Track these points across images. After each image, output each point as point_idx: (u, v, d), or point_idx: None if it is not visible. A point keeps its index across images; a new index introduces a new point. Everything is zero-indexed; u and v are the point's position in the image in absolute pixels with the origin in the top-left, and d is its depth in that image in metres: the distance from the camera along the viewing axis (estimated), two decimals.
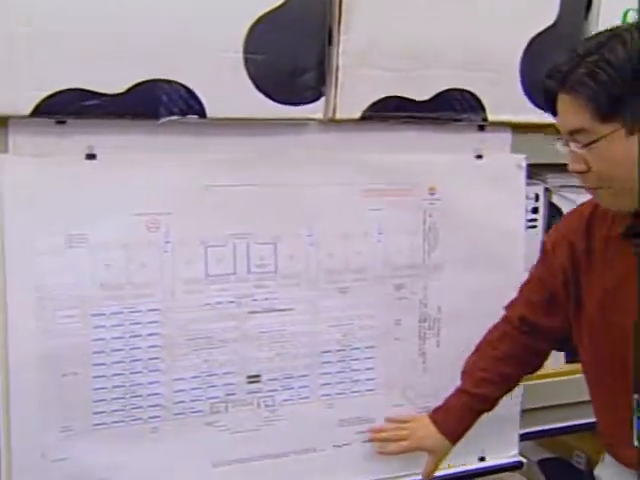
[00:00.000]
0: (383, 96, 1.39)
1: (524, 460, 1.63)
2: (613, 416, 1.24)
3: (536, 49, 1.47)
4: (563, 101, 1.08)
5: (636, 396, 1.17)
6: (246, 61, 1.28)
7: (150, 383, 1.34)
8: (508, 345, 1.40)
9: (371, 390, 1.47)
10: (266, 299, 1.39)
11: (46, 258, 1.25)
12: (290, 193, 1.38)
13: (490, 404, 1.42)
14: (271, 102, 1.31)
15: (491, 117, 1.48)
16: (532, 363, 1.44)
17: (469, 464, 1.58)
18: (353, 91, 1.36)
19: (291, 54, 1.31)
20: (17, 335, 1.24)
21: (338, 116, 1.36)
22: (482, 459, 1.61)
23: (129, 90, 1.23)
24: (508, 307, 1.43)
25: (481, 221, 1.47)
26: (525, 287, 1.40)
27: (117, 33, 1.21)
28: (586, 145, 1.07)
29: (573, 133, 1.08)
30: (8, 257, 1.23)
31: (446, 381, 1.45)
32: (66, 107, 1.21)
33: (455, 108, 1.45)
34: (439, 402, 1.44)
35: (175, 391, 1.35)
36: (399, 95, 1.40)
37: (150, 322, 1.32)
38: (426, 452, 1.44)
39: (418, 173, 1.46)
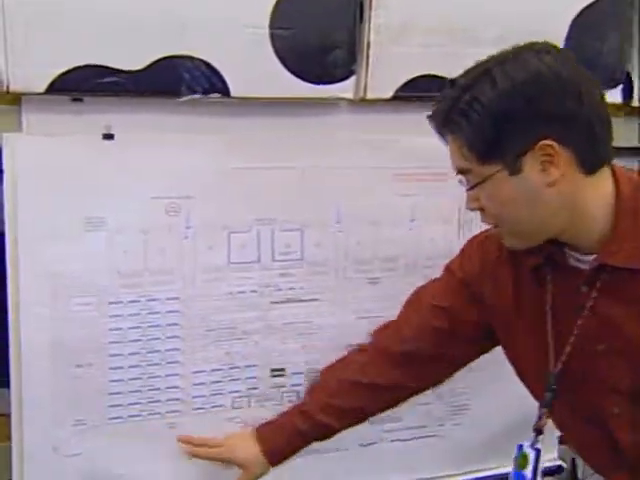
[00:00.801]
0: (417, 75, 1.37)
1: (564, 465, 1.59)
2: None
3: (582, 25, 1.44)
4: (449, 141, 1.08)
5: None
6: (272, 37, 1.27)
7: (168, 376, 1.33)
8: (377, 376, 1.27)
9: None
10: (291, 289, 1.38)
11: (61, 243, 1.24)
12: (318, 177, 1.36)
13: (329, 436, 1.30)
14: (298, 81, 1.30)
15: None
16: (401, 399, 1.32)
17: (502, 467, 1.51)
18: (385, 69, 1.34)
19: (320, 30, 1.30)
20: (30, 323, 1.23)
21: (369, 96, 1.35)
22: None
23: (149, 67, 1.22)
24: (380, 332, 1.31)
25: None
26: (410, 311, 1.29)
27: (137, 7, 1.20)
28: (473, 186, 1.06)
29: (462, 172, 1.08)
30: (21, 241, 1.22)
31: (483, 379, 1.43)
32: (82, 84, 1.20)
33: None
34: (474, 402, 1.42)
35: (194, 384, 1.35)
36: (433, 74, 1.37)
37: (169, 311, 1.32)
38: (237, 466, 1.31)
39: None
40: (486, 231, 1.20)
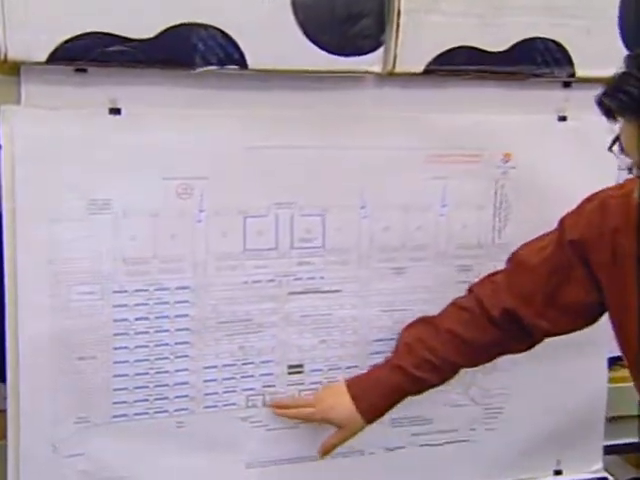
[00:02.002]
0: (451, 46, 1.33)
1: (610, 478, 1.57)
2: None
3: None
4: (628, 126, 1.02)
5: None
6: (294, 4, 1.24)
7: (177, 371, 1.32)
8: (473, 333, 1.32)
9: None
10: (311, 278, 1.36)
11: (62, 226, 1.22)
12: (341, 157, 1.33)
13: (423, 390, 1.35)
14: (322, 52, 1.27)
15: (580, 72, 1.41)
16: (492, 357, 1.37)
17: (542, 478, 1.53)
18: (417, 40, 1.31)
19: None
20: (28, 313, 1.22)
21: (399, 69, 1.31)
22: (558, 473, 1.57)
23: (159, 35, 1.19)
24: (480, 286, 1.36)
25: (563, 195, 1.38)
26: (516, 270, 1.32)
27: None
28: None
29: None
30: (20, 224, 1.20)
31: (519, 379, 1.42)
32: (87, 53, 1.17)
33: (536, 61, 1.38)
34: (510, 405, 1.40)
35: (205, 381, 1.34)
36: (470, 45, 1.34)
37: (179, 302, 1.30)
38: (333, 426, 1.37)
39: (490, 136, 1.41)
40: (609, 191, 1.18)
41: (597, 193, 1.25)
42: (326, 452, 1.37)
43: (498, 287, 1.33)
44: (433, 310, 1.39)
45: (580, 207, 1.26)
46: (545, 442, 1.43)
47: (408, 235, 1.40)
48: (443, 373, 1.34)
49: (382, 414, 1.35)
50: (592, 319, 1.28)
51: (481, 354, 1.35)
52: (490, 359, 1.37)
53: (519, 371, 1.44)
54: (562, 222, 1.28)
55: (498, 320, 1.30)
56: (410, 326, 1.38)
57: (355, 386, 1.35)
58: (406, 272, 1.41)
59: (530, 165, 1.43)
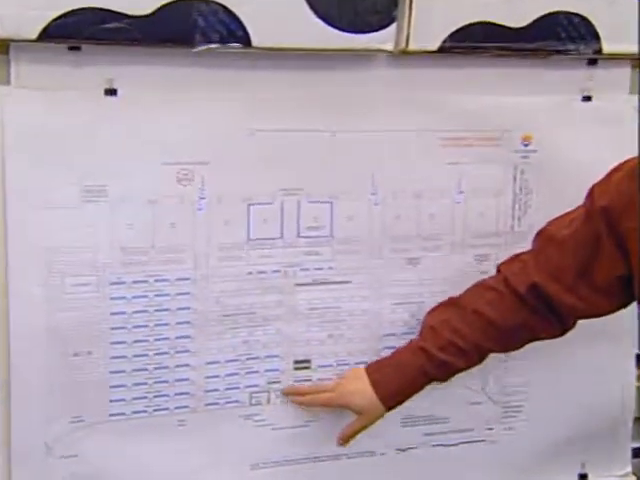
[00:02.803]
0: (468, 22, 1.32)
1: None
2: None
3: None
4: None
5: None
6: None
7: (178, 367, 1.31)
8: (500, 313, 1.31)
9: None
10: (319, 269, 1.36)
11: (56, 214, 1.21)
12: (351, 141, 1.32)
13: (448, 375, 1.34)
14: (330, 29, 1.25)
15: (607, 48, 1.38)
16: (522, 341, 1.35)
17: None
18: (431, 16, 1.29)
19: None
20: (20, 306, 1.21)
21: (412, 47, 1.30)
22: (583, 476, 1.56)
23: (157, 11, 1.18)
24: (507, 265, 1.34)
25: (587, 180, 1.34)
26: (544, 245, 1.30)
27: None
28: None
29: None
30: (10, 212, 1.19)
31: (540, 375, 1.41)
32: (81, 30, 1.15)
33: (560, 36, 1.36)
34: (529, 403, 1.39)
35: (207, 377, 1.33)
36: (488, 21, 1.32)
37: (179, 294, 1.29)
38: (353, 412, 1.36)
39: (509, 118, 1.40)
40: (637, 159, 1.17)
41: (625, 162, 1.23)
42: (346, 440, 1.37)
43: (525, 264, 1.31)
44: None
45: (608, 175, 1.25)
46: (568, 443, 1.43)
47: (422, 223, 1.39)
48: (469, 357, 1.32)
49: (403, 400, 1.34)
50: (622, 299, 1.25)
51: (510, 337, 1.32)
52: (520, 344, 1.35)
53: (539, 367, 1.43)
54: (591, 191, 1.26)
55: (525, 297, 1.29)
56: (434, 309, 1.37)
57: (375, 371, 1.35)
58: (420, 262, 1.40)
59: (552, 148, 1.42)
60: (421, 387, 1.34)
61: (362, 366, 1.37)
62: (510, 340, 1.33)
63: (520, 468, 1.52)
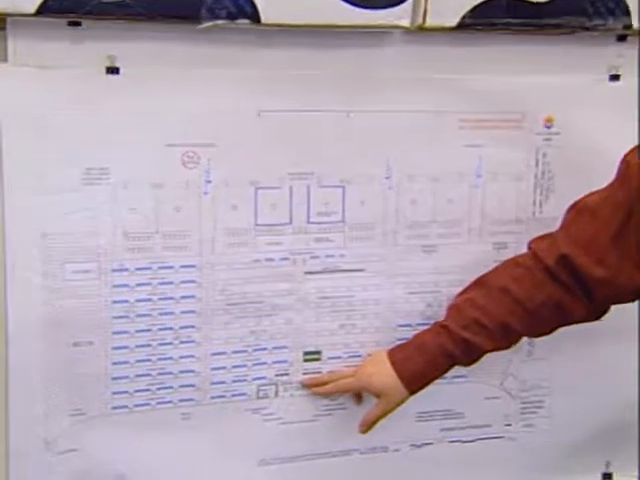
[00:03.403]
0: None
1: None
2: None
3: None
4: None
5: None
6: None
7: (182, 358, 1.31)
8: (527, 289, 1.29)
9: (461, 377, 1.43)
10: (330, 256, 1.35)
11: (56, 198, 1.21)
12: (365, 122, 1.31)
13: (472, 358, 1.32)
14: (343, 4, 1.24)
15: (637, 23, 1.36)
16: (551, 324, 1.32)
17: None
18: None
19: None
20: (18, 294, 1.21)
21: (429, 23, 1.28)
22: (607, 476, 1.55)
23: None
24: (537, 241, 1.32)
25: (613, 164, 1.33)
26: (575, 216, 1.28)
27: None
28: None
29: None
30: (8, 196, 1.19)
31: (562, 369, 1.41)
32: (81, 5, 1.14)
33: (586, 11, 1.34)
34: (550, 398, 1.38)
35: (213, 369, 1.33)
36: None
37: (184, 282, 1.29)
38: (374, 396, 1.36)
39: (531, 99, 1.39)
40: None
41: None
42: (367, 427, 1.36)
43: (555, 237, 1.30)
44: None
45: None
46: (592, 441, 1.42)
47: (439, 209, 1.38)
48: (496, 337, 1.30)
49: (426, 383, 1.33)
50: None
51: (538, 317, 1.29)
52: (549, 327, 1.32)
53: (561, 360, 1.43)
54: (624, 157, 1.25)
55: (554, 271, 1.27)
56: (461, 291, 1.36)
57: (396, 352, 1.34)
58: (436, 250, 1.39)
59: (576, 130, 1.41)
60: (444, 369, 1.32)
61: None
62: (539, 321, 1.30)
63: (540, 466, 1.51)
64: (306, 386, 1.38)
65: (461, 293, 1.35)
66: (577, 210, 1.29)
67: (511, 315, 1.28)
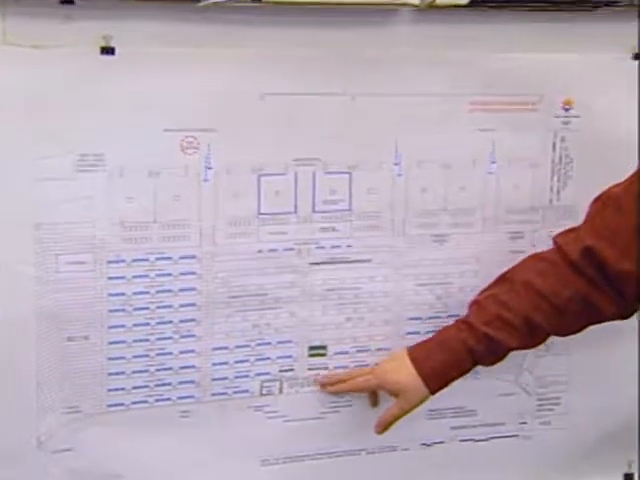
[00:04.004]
0: None
1: None
2: None
3: None
4: None
5: None
6: None
7: (182, 353, 1.31)
8: (552, 284, 1.28)
9: (473, 373, 1.38)
10: (336, 247, 1.35)
11: (49, 185, 1.20)
12: (372, 106, 1.31)
13: (496, 356, 1.31)
14: None
15: None
16: (580, 321, 1.30)
17: None
18: None
19: None
20: (9, 287, 1.20)
21: (440, 0, 1.27)
22: (629, 477, 1.54)
23: None
24: (562, 235, 1.31)
25: (636, 149, 1.35)
26: (600, 208, 1.26)
27: None
28: None
29: None
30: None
31: (580, 363, 1.41)
32: None
33: None
34: (568, 394, 1.39)
35: (214, 364, 1.33)
36: None
37: (183, 273, 1.29)
38: (391, 394, 1.34)
39: (548, 79, 1.39)
40: None
41: None
42: (383, 427, 1.35)
43: (580, 230, 1.30)
44: (479, 284, 1.36)
45: None
46: (613, 439, 1.42)
47: (450, 196, 1.37)
48: (520, 333, 1.29)
49: (447, 382, 1.32)
50: None
51: (564, 313, 1.28)
52: (578, 324, 1.30)
53: (579, 355, 1.43)
54: None
55: (579, 264, 1.26)
56: (484, 288, 1.35)
57: (416, 349, 1.34)
58: (448, 240, 1.39)
59: (596, 113, 1.40)
60: (466, 367, 1.31)
61: (384, 353, 1.36)
62: (566, 317, 1.28)
63: (557, 466, 1.51)
64: (320, 385, 1.36)
65: (483, 290, 1.34)
66: (602, 202, 1.27)
67: (536, 310, 1.27)
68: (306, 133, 1.30)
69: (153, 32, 1.21)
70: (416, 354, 1.32)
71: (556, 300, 1.27)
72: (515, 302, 1.28)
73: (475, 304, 1.33)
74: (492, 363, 1.32)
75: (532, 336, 1.30)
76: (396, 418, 1.34)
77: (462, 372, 1.31)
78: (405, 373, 1.32)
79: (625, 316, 1.27)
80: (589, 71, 1.39)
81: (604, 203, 1.26)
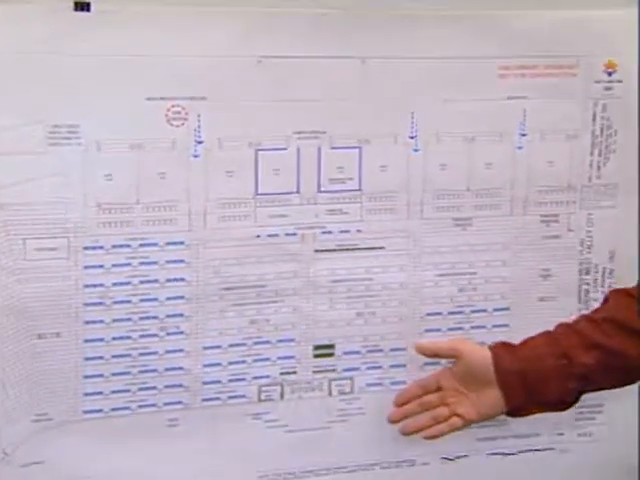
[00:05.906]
0: None
1: None
2: None
3: None
4: None
5: None
6: None
7: (169, 352, 1.30)
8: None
9: None
10: (344, 232, 1.34)
11: (15, 160, 1.19)
12: (386, 71, 1.32)
13: (591, 385, 1.28)
14: None
15: None
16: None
17: None
18: None
19: None
20: None
21: None
22: None
23: None
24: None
25: None
26: None
27: None
28: None
29: None
30: None
31: None
32: None
33: None
34: (610, 403, 1.39)
35: (205, 366, 1.32)
36: None
37: (170, 261, 1.28)
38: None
39: (588, 40, 1.38)
40: None
41: None
42: (422, 348, 1.33)
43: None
44: (509, 274, 1.36)
45: None
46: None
47: (474, 175, 1.37)
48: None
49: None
50: None
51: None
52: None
53: None
54: None
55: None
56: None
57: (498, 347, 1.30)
58: (472, 224, 1.39)
59: None
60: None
61: (398, 353, 1.35)
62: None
63: None
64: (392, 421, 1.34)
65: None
66: None
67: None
68: (309, 102, 1.30)
69: None
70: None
71: None
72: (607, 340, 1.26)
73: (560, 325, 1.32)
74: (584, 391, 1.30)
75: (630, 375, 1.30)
76: (444, 351, 1.31)
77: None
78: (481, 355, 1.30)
79: None
80: (634, 30, 1.34)
81: None
